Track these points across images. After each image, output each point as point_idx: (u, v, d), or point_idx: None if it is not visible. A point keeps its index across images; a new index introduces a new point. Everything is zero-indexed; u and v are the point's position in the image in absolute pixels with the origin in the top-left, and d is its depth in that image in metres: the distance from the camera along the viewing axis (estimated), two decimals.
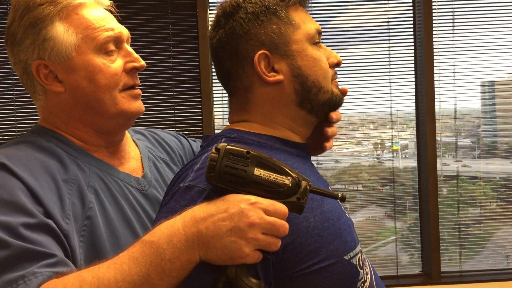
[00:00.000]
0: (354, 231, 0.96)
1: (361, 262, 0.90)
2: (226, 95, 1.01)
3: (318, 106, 0.95)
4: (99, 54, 0.95)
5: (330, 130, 1.00)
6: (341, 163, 3.26)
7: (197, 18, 2.79)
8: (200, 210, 0.75)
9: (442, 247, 2.93)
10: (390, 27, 2.92)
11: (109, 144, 1.04)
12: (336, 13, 2.94)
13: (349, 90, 1.04)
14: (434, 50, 2.86)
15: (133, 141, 1.14)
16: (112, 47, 0.97)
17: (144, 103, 1.05)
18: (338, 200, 0.85)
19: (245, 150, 0.76)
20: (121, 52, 1.00)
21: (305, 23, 0.94)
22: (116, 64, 0.97)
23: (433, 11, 2.85)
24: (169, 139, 1.25)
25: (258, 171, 0.76)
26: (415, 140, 3.01)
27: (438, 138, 2.92)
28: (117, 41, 0.99)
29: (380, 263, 3.05)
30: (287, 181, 0.77)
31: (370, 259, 2.99)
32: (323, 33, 0.99)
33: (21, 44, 0.95)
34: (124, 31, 1.01)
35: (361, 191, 3.17)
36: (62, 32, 0.93)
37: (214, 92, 2.86)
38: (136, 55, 1.01)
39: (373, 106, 3.02)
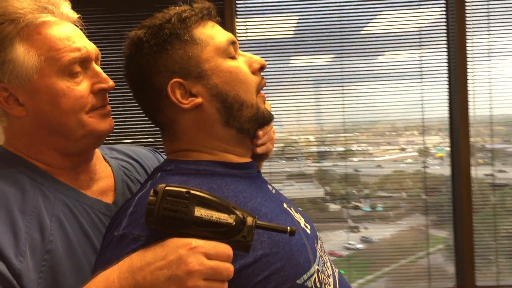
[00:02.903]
0: (312, 245, 0.91)
1: (318, 283, 0.85)
2: None
3: (246, 124, 0.92)
4: (63, 77, 0.90)
5: (260, 142, 0.98)
6: (383, 170, 3.19)
7: (224, 26, 2.84)
8: (137, 259, 0.71)
9: (478, 260, 2.80)
10: (422, 32, 2.83)
11: (77, 165, 0.98)
12: (367, 20, 2.89)
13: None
14: (467, 54, 2.74)
15: (105, 160, 1.09)
16: (77, 68, 0.92)
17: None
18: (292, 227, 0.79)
19: (185, 190, 0.72)
20: (88, 73, 0.94)
21: (214, 37, 0.90)
22: (82, 86, 0.92)
23: (467, 14, 2.73)
24: (146, 156, 1.20)
25: (199, 212, 0.72)
26: (449, 147, 2.90)
27: (479, 145, 2.79)
28: (84, 61, 0.93)
29: (413, 276, 2.96)
30: (230, 219, 0.73)
31: (405, 271, 2.91)
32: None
33: None
34: (92, 49, 0.95)
35: (405, 199, 3.10)
36: (22, 54, 0.87)
37: None
38: (105, 76, 0.96)
39: (404, 112, 2.94)
